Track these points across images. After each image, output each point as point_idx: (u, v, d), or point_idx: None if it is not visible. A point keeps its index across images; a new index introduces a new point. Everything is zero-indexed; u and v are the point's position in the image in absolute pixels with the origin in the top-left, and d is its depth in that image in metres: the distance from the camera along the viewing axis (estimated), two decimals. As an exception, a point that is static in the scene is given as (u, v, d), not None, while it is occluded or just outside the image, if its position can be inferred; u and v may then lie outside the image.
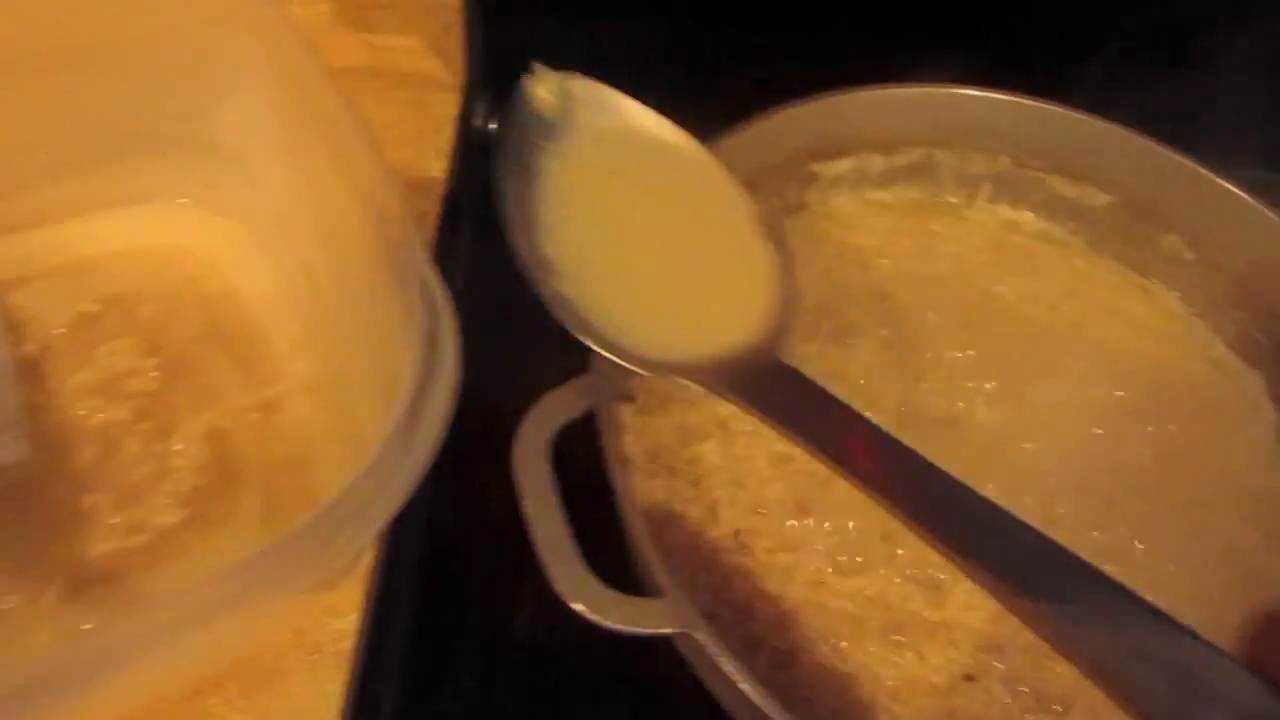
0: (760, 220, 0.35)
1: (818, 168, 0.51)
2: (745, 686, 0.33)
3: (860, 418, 0.32)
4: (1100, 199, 0.51)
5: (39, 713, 0.27)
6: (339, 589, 0.42)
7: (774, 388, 0.33)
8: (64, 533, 0.42)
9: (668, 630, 0.34)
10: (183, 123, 0.48)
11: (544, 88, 0.33)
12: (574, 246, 0.34)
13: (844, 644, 0.40)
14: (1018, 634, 0.40)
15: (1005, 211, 0.53)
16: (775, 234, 0.35)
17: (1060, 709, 0.39)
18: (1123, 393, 0.48)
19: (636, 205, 0.35)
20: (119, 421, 0.44)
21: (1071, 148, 0.50)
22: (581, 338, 0.35)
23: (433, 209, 0.54)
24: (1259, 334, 0.48)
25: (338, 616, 0.42)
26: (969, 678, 0.40)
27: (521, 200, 0.33)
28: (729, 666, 0.33)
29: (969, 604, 0.41)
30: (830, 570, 0.41)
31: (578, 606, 0.34)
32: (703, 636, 0.34)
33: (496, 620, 0.45)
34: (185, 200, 0.50)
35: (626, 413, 0.44)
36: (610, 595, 0.34)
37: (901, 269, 0.51)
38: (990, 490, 0.43)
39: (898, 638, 0.41)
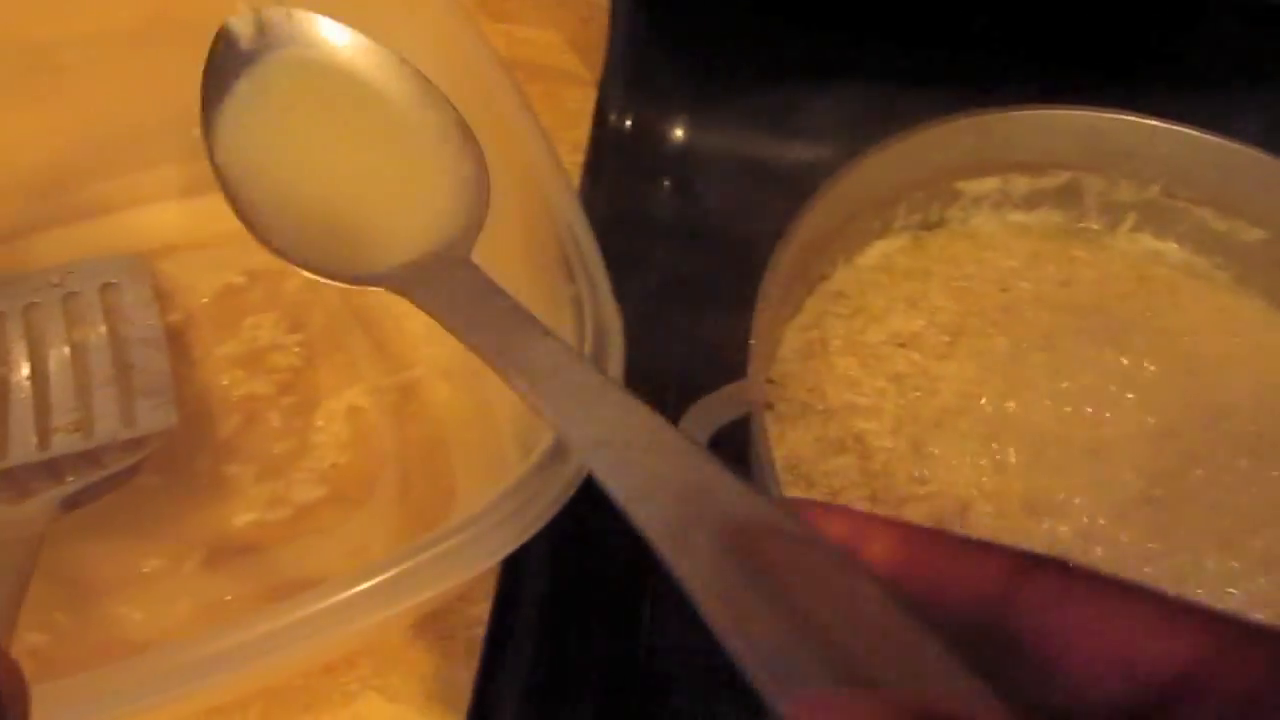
0: (458, 127, 0.35)
1: (962, 185, 0.51)
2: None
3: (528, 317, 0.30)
4: (1254, 234, 0.50)
5: (192, 690, 0.28)
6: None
7: (458, 287, 0.32)
8: (206, 502, 0.42)
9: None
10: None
11: (241, 23, 0.35)
12: (267, 164, 0.35)
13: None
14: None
15: (1148, 241, 0.52)
16: (472, 143, 0.35)
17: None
18: (1269, 436, 0.47)
19: (328, 125, 0.36)
20: (262, 394, 0.45)
21: (1229, 180, 0.49)
22: (272, 251, 0.33)
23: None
24: None
25: (471, 603, 0.42)
26: None
27: (220, 123, 0.35)
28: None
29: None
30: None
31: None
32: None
33: (619, 637, 0.45)
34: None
35: (765, 419, 0.44)
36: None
37: (1041, 294, 0.50)
38: (1130, 534, 0.43)
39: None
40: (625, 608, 0.45)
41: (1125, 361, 0.48)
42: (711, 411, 0.38)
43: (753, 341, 0.39)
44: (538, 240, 0.39)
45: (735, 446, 0.39)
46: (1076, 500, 0.44)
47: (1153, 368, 0.48)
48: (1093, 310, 0.50)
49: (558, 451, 0.32)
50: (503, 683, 0.42)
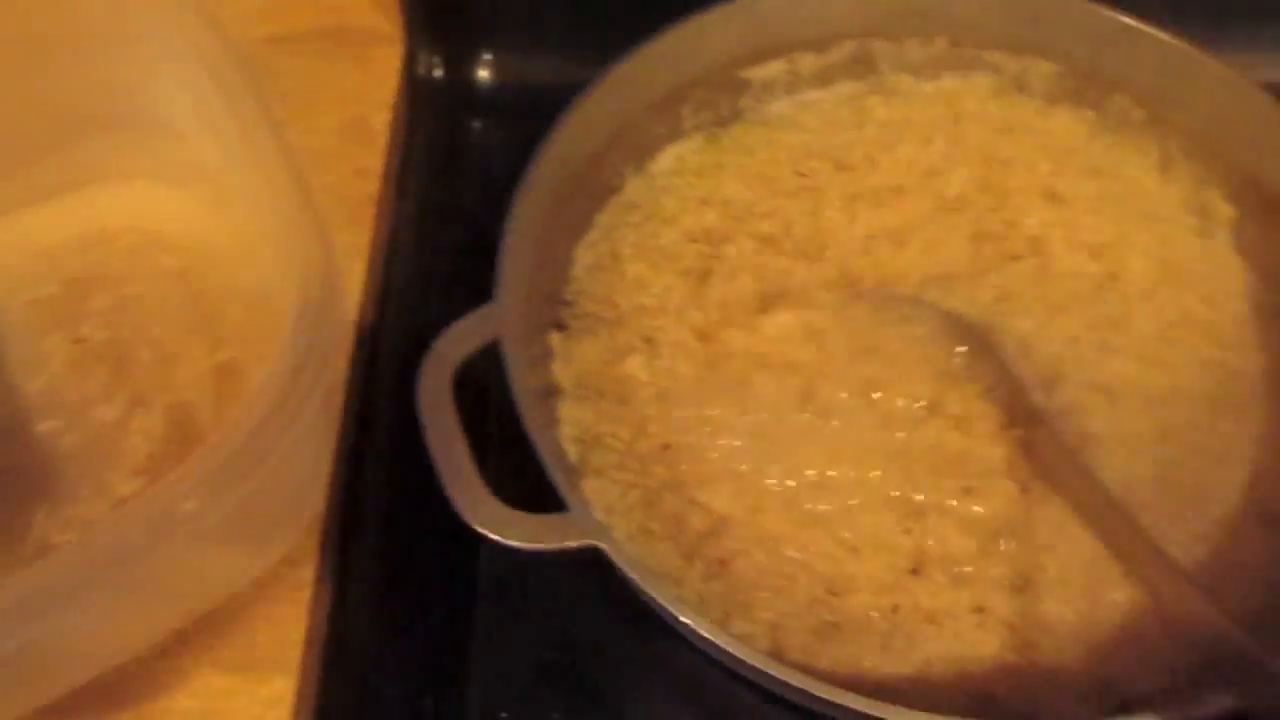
0: None
1: (746, 74, 0.50)
2: (653, 594, 0.33)
3: None
4: (1045, 67, 0.49)
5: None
6: (293, 541, 0.43)
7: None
8: (24, 512, 0.43)
9: (571, 544, 0.34)
10: (117, 98, 0.49)
11: None
12: None
13: (782, 548, 0.40)
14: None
15: (951, 82, 0.51)
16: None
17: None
18: (1097, 269, 0.46)
19: None
20: (78, 397, 0.46)
21: (1012, 20, 0.48)
22: None
23: (378, 163, 0.55)
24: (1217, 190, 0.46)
25: (295, 567, 0.42)
26: (914, 571, 0.39)
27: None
28: (632, 574, 0.34)
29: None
30: (761, 476, 0.41)
31: (478, 526, 0.34)
32: (607, 547, 0.34)
33: (462, 552, 0.45)
34: (130, 177, 0.52)
35: (556, 340, 0.44)
36: (512, 514, 0.34)
37: (839, 157, 0.49)
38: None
39: (842, 534, 0.40)
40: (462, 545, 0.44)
41: (922, 208, 0.48)
42: (461, 338, 0.38)
43: (500, 260, 0.40)
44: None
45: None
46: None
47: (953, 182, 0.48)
48: (885, 150, 0.49)
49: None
50: (345, 634, 0.43)
